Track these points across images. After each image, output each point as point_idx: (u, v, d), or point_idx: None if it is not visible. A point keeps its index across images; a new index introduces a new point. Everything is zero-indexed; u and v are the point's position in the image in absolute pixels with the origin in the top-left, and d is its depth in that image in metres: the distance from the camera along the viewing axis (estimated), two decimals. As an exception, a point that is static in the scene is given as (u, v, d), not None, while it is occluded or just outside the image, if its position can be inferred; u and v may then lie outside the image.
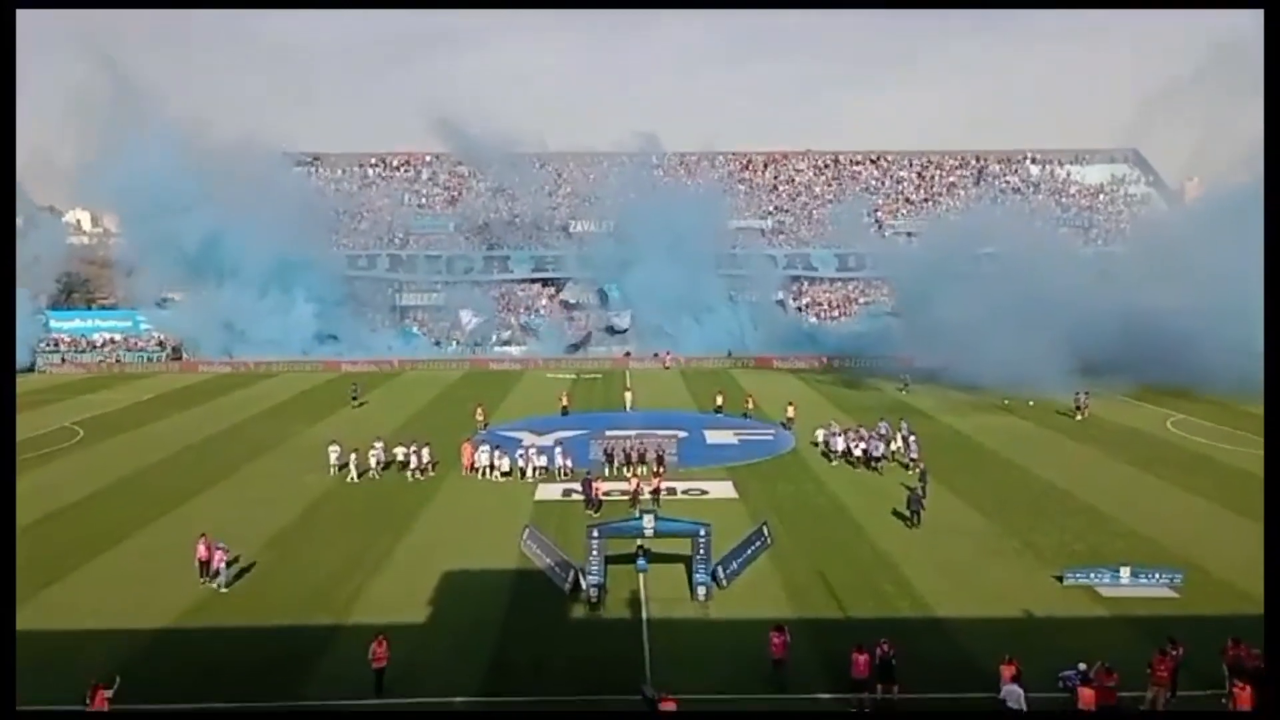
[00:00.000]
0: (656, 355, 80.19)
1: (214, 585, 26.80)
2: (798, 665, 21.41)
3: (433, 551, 30.01)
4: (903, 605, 25.57)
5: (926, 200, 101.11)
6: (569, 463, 40.02)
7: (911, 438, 41.89)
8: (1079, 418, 51.52)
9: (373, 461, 40.11)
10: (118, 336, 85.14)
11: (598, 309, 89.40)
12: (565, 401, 56.52)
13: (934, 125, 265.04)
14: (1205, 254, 56.90)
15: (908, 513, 32.87)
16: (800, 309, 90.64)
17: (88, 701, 18.64)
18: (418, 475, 39.56)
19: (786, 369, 76.04)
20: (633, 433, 44.25)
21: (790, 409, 50.80)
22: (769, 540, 30.19)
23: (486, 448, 40.67)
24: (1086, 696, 19.24)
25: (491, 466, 39.76)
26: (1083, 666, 19.88)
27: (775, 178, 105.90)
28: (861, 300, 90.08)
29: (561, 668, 22.00)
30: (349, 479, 39.08)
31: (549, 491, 37.63)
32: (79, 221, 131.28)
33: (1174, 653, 20.27)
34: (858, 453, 41.46)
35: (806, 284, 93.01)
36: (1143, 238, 79.30)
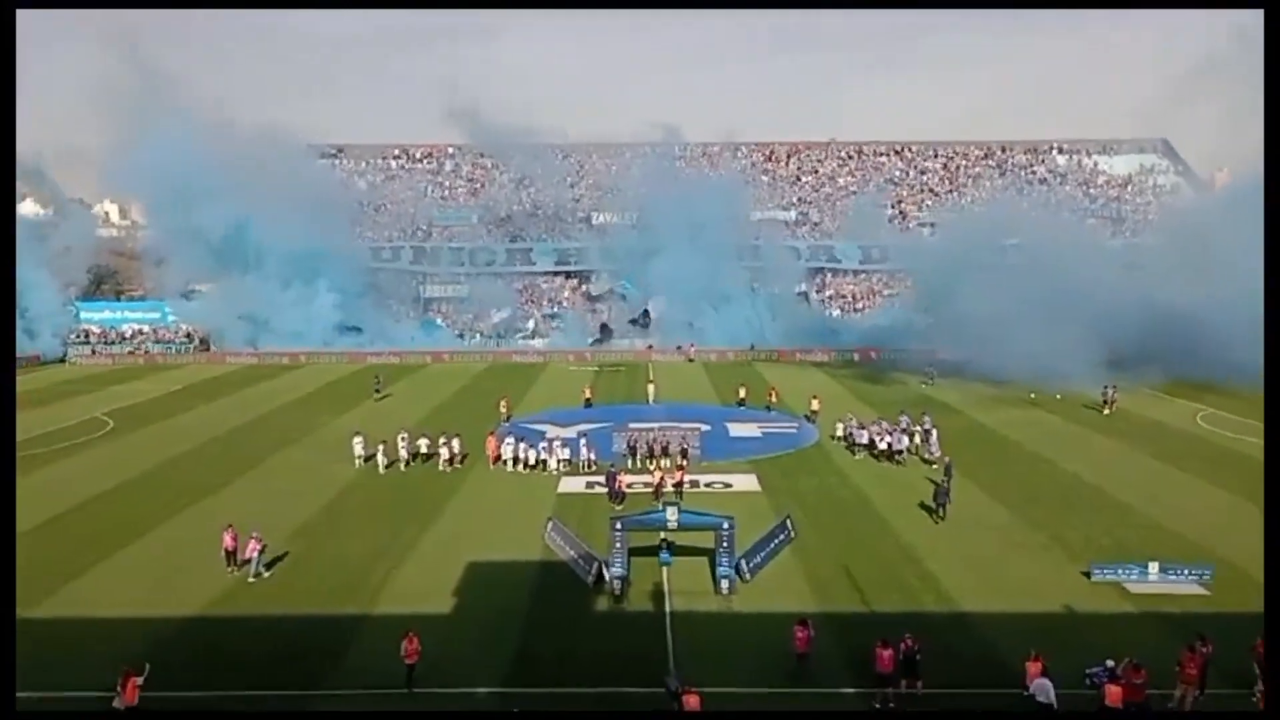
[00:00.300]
0: (679, 348, 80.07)
1: (249, 575, 27.12)
2: (821, 659, 21.40)
3: (458, 543, 30.18)
4: (928, 600, 25.47)
5: (951, 191, 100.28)
6: (593, 455, 40.08)
7: (933, 432, 41.61)
8: (1106, 412, 51.03)
9: (402, 453, 40.32)
10: (146, 328, 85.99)
11: (619, 302, 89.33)
12: (588, 394, 56.61)
13: (960, 115, 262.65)
14: (1233, 243, 56.06)
15: (934, 505, 32.75)
16: (824, 301, 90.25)
17: (119, 689, 18.87)
18: (449, 467, 39.75)
19: (810, 362, 75.71)
20: (656, 425, 44.22)
21: (814, 402, 50.62)
22: (793, 533, 30.13)
23: (511, 440, 40.81)
24: (1113, 694, 19.10)
25: (516, 459, 39.90)
26: (1110, 663, 19.74)
27: (799, 169, 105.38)
28: (885, 292, 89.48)
29: (585, 659, 22.09)
30: (379, 470, 39.33)
31: (572, 484, 37.72)
32: (108, 214, 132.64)
33: (1203, 650, 20.06)
34: (882, 446, 41.28)
35: (830, 276, 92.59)
36: (1169, 227, 78.17)
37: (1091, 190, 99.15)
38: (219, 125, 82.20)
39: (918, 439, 41.89)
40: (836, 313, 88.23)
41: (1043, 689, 18.82)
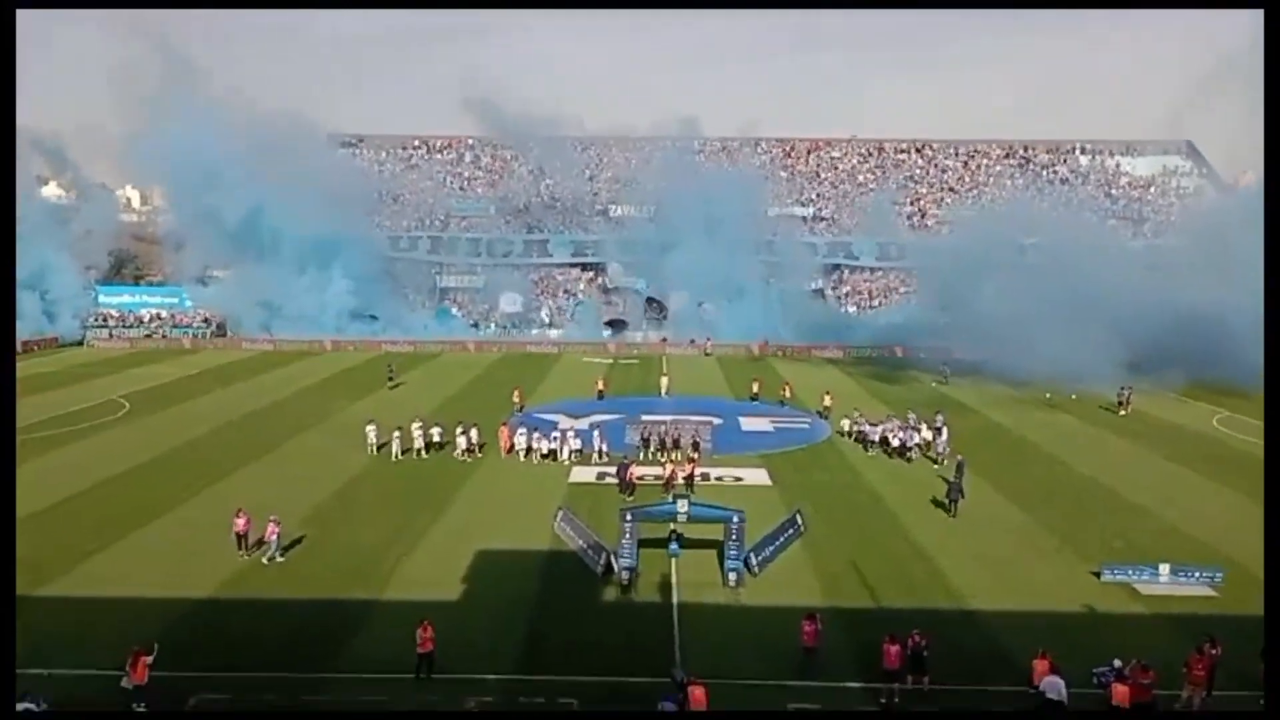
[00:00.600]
0: (694, 342, 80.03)
1: (264, 557, 27.39)
2: (829, 654, 21.41)
3: (468, 531, 30.30)
4: (937, 597, 25.42)
5: (971, 190, 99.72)
6: (606, 446, 40.13)
7: (944, 430, 41.39)
8: (1122, 413, 50.71)
9: (417, 441, 40.50)
10: (164, 313, 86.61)
11: (633, 295, 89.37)
12: (601, 386, 56.67)
13: (984, 114, 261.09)
14: (1254, 245, 55.48)
15: (947, 502, 32.72)
16: (840, 298, 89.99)
17: (128, 668, 19.06)
18: (467, 456, 39.89)
19: (824, 358, 75.52)
20: (668, 418, 44.24)
21: (827, 398, 50.51)
22: (802, 528, 30.10)
23: (524, 430, 40.91)
24: (1120, 693, 19.06)
25: (529, 449, 40.00)
26: (1118, 663, 19.67)
27: (818, 165, 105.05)
28: (902, 290, 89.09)
29: (592, 649, 22.15)
30: (394, 458, 39.51)
31: (583, 474, 37.79)
32: (129, 200, 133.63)
33: (1213, 652, 19.96)
34: (895, 442, 41.19)
35: (847, 273, 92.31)
36: (1191, 229, 77.46)
37: (1114, 191, 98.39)
38: (239, 112, 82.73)
39: (929, 436, 41.69)
40: (853, 309, 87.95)
41: (1054, 686, 18.78)
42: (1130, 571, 26.44)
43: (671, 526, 27.52)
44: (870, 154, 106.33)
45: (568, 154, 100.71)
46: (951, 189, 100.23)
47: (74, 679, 19.68)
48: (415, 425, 40.86)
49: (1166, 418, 50.29)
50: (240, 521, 27.74)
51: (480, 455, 40.14)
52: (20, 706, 16.82)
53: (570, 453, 39.89)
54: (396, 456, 39.66)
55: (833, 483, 37.14)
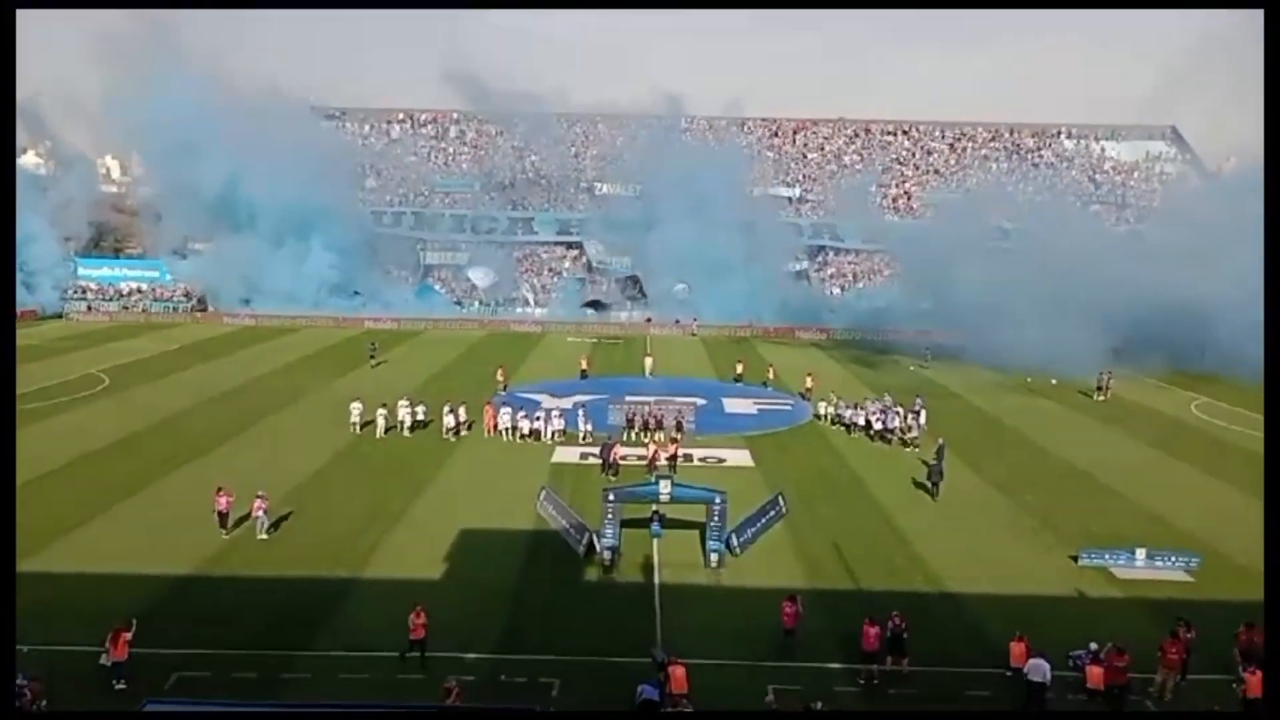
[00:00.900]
0: (678, 322, 79.99)
1: (256, 533, 27.30)
2: (808, 635, 21.54)
3: (450, 509, 30.28)
4: (916, 579, 25.62)
5: (956, 172, 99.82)
6: (590, 426, 40.11)
7: (921, 414, 41.54)
8: (1100, 398, 51.09)
9: (405, 418, 40.35)
10: (145, 286, 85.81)
11: (615, 274, 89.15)
12: (585, 365, 56.59)
13: (971, 95, 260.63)
14: (1236, 231, 55.81)
15: (930, 484, 33.07)
16: (824, 280, 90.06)
17: (108, 645, 18.99)
18: (453, 435, 39.80)
19: (807, 340, 75.71)
20: (652, 398, 44.26)
21: (809, 380, 50.62)
22: (784, 510, 30.23)
23: (508, 409, 40.85)
24: (1095, 675, 19.34)
25: (513, 428, 39.96)
26: (1094, 646, 19.90)
27: (804, 146, 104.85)
28: (886, 272, 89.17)
29: (573, 628, 22.23)
30: (377, 435, 39.39)
31: (566, 454, 37.80)
32: (108, 170, 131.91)
33: (1187, 636, 20.20)
34: (877, 425, 41.37)
35: (831, 254, 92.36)
36: (1172, 214, 77.86)
37: (1097, 176, 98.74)
38: (220, 81, 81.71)
39: (909, 419, 41.76)
40: (837, 291, 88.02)
41: (1039, 669, 18.97)
42: (1107, 555, 26.72)
43: (654, 507, 27.62)
44: (856, 135, 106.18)
45: (553, 130, 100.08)
46: (937, 171, 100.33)
47: (53, 654, 19.56)
48: (401, 403, 40.72)
49: (1145, 403, 50.71)
50: (222, 500, 27.59)
51: (468, 434, 40.05)
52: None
53: (553, 433, 39.87)
54: (380, 432, 39.53)
55: (815, 464, 37.30)
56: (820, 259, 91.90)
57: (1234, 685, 19.29)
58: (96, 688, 18.76)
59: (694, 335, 77.16)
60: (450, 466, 35.70)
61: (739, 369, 55.97)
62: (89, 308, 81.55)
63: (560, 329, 78.14)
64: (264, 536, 27.29)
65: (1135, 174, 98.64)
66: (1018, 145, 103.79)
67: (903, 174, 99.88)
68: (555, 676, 19.98)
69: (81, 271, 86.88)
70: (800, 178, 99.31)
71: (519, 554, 26.77)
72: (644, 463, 35.21)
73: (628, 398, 44.21)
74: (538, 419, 40.37)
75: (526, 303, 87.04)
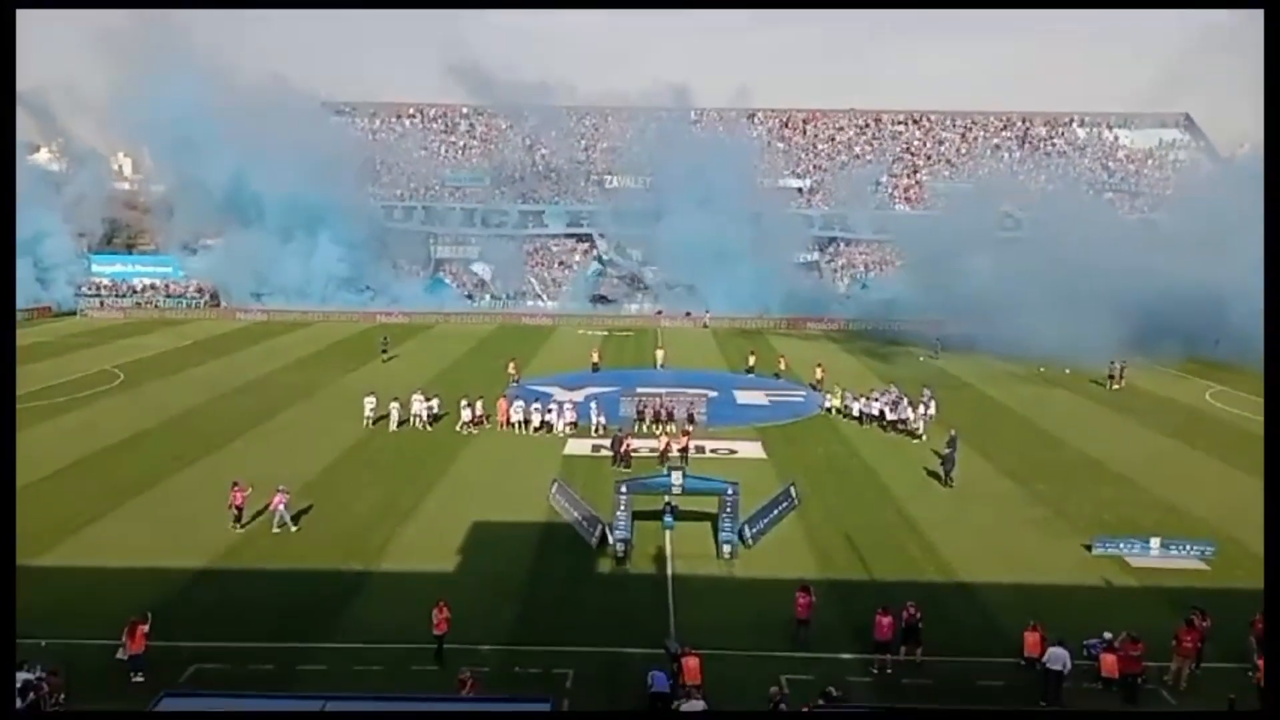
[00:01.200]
0: (689, 314, 79.93)
1: (275, 526, 27.49)
2: (821, 626, 21.54)
3: (463, 502, 30.37)
4: (929, 569, 25.59)
5: (968, 161, 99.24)
6: (603, 419, 40.14)
7: (929, 405, 41.40)
8: (1113, 387, 50.86)
9: (422, 412, 40.46)
10: (158, 282, 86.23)
11: (629, 266, 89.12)
12: (596, 358, 56.61)
13: (981, 85, 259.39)
14: (1249, 217, 55.31)
15: (942, 474, 33.14)
16: (836, 270, 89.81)
17: (125, 638, 19.15)
18: (470, 429, 39.88)
19: (818, 331, 75.60)
20: (663, 390, 44.28)
21: (819, 370, 50.51)
22: (796, 501, 30.24)
23: (521, 402, 40.90)
24: (1109, 663, 19.30)
25: (526, 421, 40.02)
26: (1108, 635, 19.84)
27: (815, 137, 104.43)
28: (898, 264, 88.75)
29: (586, 620, 22.30)
30: (390, 429, 39.52)
31: (578, 446, 37.87)
32: (120, 167, 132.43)
33: (1203, 624, 20.13)
34: (891, 416, 41.24)
35: (842, 245, 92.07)
36: (1186, 202, 77.23)
37: (1110, 164, 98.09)
38: (230, 77, 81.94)
39: (918, 410, 41.59)
40: (846, 282, 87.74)
41: (1059, 658, 18.95)
42: (1121, 544, 26.62)
43: (666, 499, 27.63)
44: (867, 126, 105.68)
45: (562, 123, 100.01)
46: (949, 161, 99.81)
47: (70, 649, 19.72)
48: (415, 397, 40.86)
49: (1159, 392, 50.48)
50: (237, 495, 27.70)
51: (487, 427, 40.14)
52: (18, 676, 16.88)
53: (565, 425, 39.93)
54: (393, 425, 39.67)
55: (827, 455, 37.27)
56: (832, 250, 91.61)
57: (1249, 673, 19.22)
58: (115, 681, 18.91)
59: (706, 327, 77.12)
60: (462, 460, 35.80)
61: (751, 360, 55.93)
62: (102, 304, 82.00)
63: (571, 322, 78.17)
64: (286, 529, 27.45)
65: (1149, 162, 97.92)
66: (1029, 134, 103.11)
67: (914, 164, 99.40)
68: (569, 668, 20.04)
69: (95, 268, 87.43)
70: (811, 169, 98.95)
71: (532, 546, 26.85)
72: (656, 455, 35.26)
73: (639, 390, 44.23)
74: (550, 412, 40.43)
75: (538, 296, 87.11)
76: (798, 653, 20.73)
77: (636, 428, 40.14)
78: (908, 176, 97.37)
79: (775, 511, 28.83)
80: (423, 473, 33.66)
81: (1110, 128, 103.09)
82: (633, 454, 35.23)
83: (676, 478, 26.84)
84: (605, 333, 72.91)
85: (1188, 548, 26.50)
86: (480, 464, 35.32)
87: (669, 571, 25.20)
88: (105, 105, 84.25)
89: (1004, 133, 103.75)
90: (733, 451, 37.45)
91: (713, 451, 37.07)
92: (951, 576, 25.11)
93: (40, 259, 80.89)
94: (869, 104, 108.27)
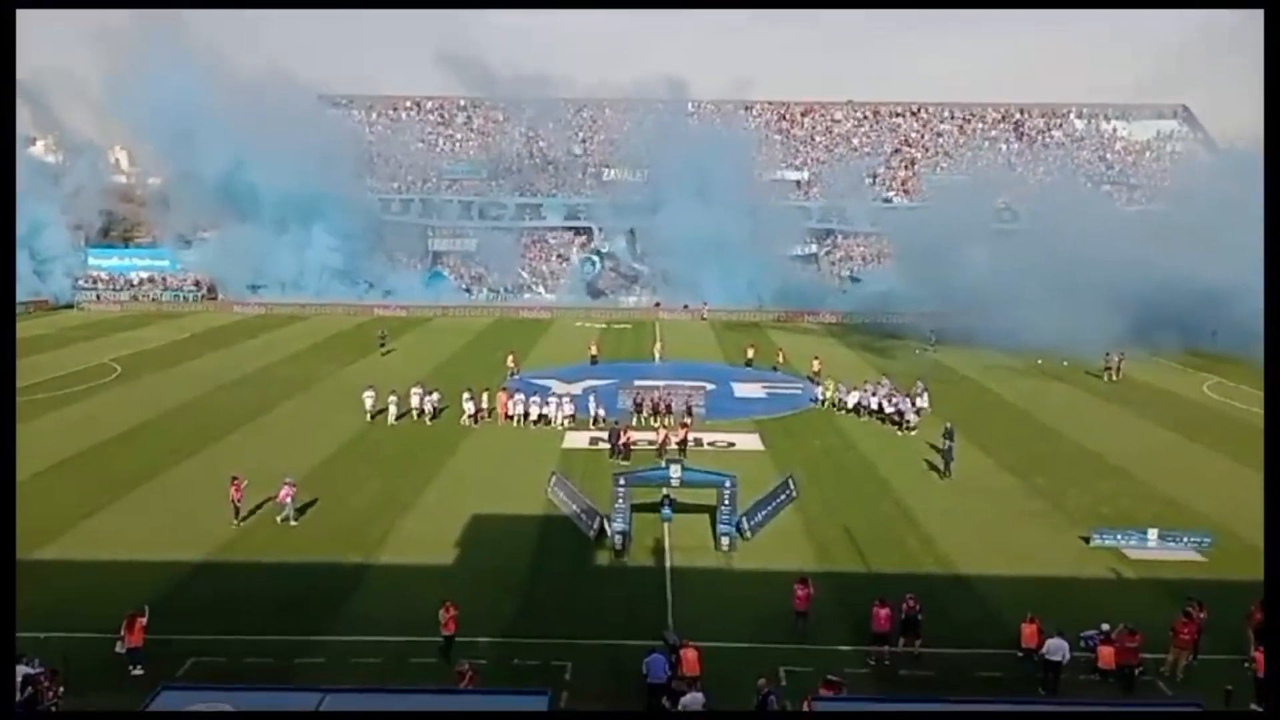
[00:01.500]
0: (687, 307, 79.89)
1: (279, 518, 27.53)
2: (820, 617, 21.58)
3: (462, 495, 30.40)
4: (927, 561, 25.66)
5: (966, 153, 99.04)
6: (602, 411, 40.15)
7: (919, 399, 41.41)
8: (1109, 379, 50.90)
9: (427, 406, 40.46)
10: (155, 275, 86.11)
11: (628, 258, 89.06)
12: (594, 351, 56.56)
13: (979, 77, 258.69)
14: (1246, 208, 55.25)
15: (942, 465, 33.28)
16: (834, 263, 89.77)
17: (123, 632, 19.17)
18: (473, 422, 39.86)
19: (815, 324, 75.61)
20: (661, 383, 44.29)
21: (816, 363, 50.50)
22: (794, 493, 30.28)
23: (521, 396, 40.90)
24: (1106, 655, 19.38)
25: (526, 414, 40.02)
26: (1105, 627, 19.91)
27: (812, 129, 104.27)
28: (895, 256, 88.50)
29: (585, 612, 22.34)
30: (389, 422, 39.53)
31: (576, 439, 37.89)
32: (118, 160, 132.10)
33: (1199, 616, 20.18)
34: (889, 409, 41.23)
35: (840, 238, 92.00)
36: (1181, 192, 77.18)
37: (1108, 156, 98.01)
38: (227, 69, 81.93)
39: (909, 403, 41.53)
40: (845, 274, 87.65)
41: (1059, 648, 19.04)
42: (1119, 536, 26.69)
43: (664, 491, 27.66)
44: (865, 118, 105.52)
45: (560, 115, 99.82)
46: (947, 153, 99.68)
47: (69, 642, 19.73)
48: (414, 390, 40.83)
49: (1157, 384, 50.52)
50: (234, 490, 27.60)
51: (489, 420, 40.12)
52: (18, 670, 16.88)
53: (563, 418, 39.94)
54: (392, 419, 39.67)
55: (824, 448, 37.31)
56: (830, 242, 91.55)
57: (1245, 664, 19.29)
58: (113, 674, 18.93)
59: (704, 319, 77.11)
60: (461, 453, 35.81)
61: (749, 353, 55.92)
62: (98, 297, 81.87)
63: (569, 315, 78.13)
64: (292, 523, 27.49)
65: (1147, 153, 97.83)
66: (1027, 126, 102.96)
67: (911, 156, 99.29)
68: (568, 660, 20.09)
69: (91, 261, 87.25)
70: (809, 161, 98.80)
71: (530, 539, 26.88)
72: (654, 447, 35.28)
73: (637, 383, 44.23)
74: (548, 405, 40.44)
75: (529, 287, 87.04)
76: (796, 644, 20.76)
77: (634, 420, 40.14)
78: (905, 169, 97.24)
79: (773, 504, 28.87)
80: (421, 466, 33.67)
81: (1108, 119, 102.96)
82: (631, 446, 35.21)
83: (674, 470, 26.89)
84: (603, 325, 72.88)
85: (1185, 539, 26.57)
86: (479, 457, 35.33)
87: (667, 564, 25.24)
88: (102, 98, 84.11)
89: (1002, 124, 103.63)
90: (731, 444, 37.48)
91: (711, 444, 37.09)
92: (950, 569, 25.17)
93: (37, 251, 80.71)
94: (867, 96, 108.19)
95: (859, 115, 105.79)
